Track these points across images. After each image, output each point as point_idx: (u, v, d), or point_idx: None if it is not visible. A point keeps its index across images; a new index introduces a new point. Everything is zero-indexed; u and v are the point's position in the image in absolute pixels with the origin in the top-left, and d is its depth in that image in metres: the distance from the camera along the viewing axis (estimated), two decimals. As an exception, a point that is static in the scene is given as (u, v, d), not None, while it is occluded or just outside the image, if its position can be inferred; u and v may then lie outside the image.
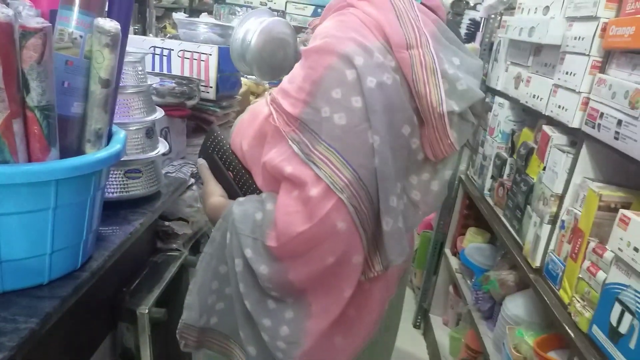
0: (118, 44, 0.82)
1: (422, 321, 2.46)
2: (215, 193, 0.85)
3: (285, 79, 0.80)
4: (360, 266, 0.75)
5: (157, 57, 1.94)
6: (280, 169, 0.72)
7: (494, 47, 2.11)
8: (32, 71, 0.70)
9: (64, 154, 0.83)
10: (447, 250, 2.32)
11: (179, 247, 1.53)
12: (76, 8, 0.80)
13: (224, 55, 1.85)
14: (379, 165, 0.70)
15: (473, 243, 2.06)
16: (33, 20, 0.69)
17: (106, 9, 0.95)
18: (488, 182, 1.97)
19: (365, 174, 0.70)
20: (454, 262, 2.18)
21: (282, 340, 0.76)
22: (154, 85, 1.60)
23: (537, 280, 1.30)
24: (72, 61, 0.81)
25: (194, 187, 1.72)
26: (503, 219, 1.70)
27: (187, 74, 1.91)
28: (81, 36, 0.81)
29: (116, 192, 1.20)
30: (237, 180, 0.84)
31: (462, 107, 0.74)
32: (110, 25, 0.80)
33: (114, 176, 1.20)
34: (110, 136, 0.94)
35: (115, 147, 0.89)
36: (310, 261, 0.72)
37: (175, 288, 1.48)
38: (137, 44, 1.88)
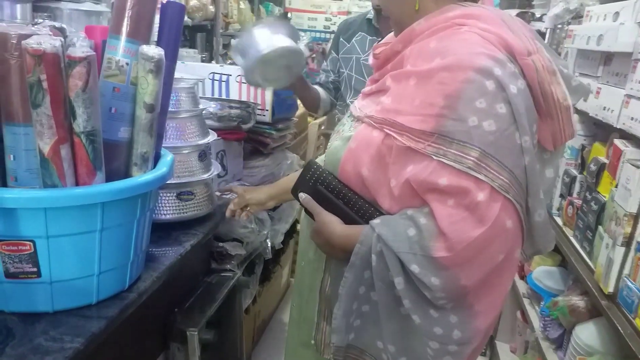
0: (162, 69, 0.84)
1: (488, 348, 2.33)
2: (335, 221, 0.87)
3: (381, 99, 0.85)
4: (518, 259, 0.81)
5: (216, 83, 1.99)
6: (431, 182, 0.76)
7: (561, 59, 2.00)
8: (77, 98, 0.73)
9: (112, 177, 0.85)
10: (515, 274, 2.19)
11: (233, 268, 1.54)
12: (123, 37, 0.84)
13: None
14: (529, 163, 0.77)
15: (542, 266, 1.92)
16: (79, 50, 0.72)
17: (155, 38, 0.99)
18: (557, 201, 1.84)
19: (519, 173, 0.76)
20: (521, 285, 2.05)
21: (454, 343, 0.81)
22: (211, 110, 1.64)
23: (610, 308, 1.19)
24: (119, 88, 0.84)
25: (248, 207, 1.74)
26: (573, 240, 1.58)
27: (244, 98, 1.95)
28: (127, 63, 0.84)
29: (168, 214, 1.22)
30: (351, 206, 0.86)
31: (576, 100, 0.85)
32: (154, 51, 0.82)
33: (167, 198, 1.23)
34: (158, 159, 0.96)
35: (161, 170, 0.91)
36: (482, 263, 0.77)
37: (228, 309, 1.49)
38: (197, 70, 1.95)
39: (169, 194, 1.22)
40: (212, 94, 1.97)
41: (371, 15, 1.86)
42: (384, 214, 0.84)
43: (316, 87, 1.91)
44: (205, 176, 1.29)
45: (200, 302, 1.32)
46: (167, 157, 0.95)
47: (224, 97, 1.96)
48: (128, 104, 0.85)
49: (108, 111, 0.84)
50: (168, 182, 1.21)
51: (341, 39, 1.88)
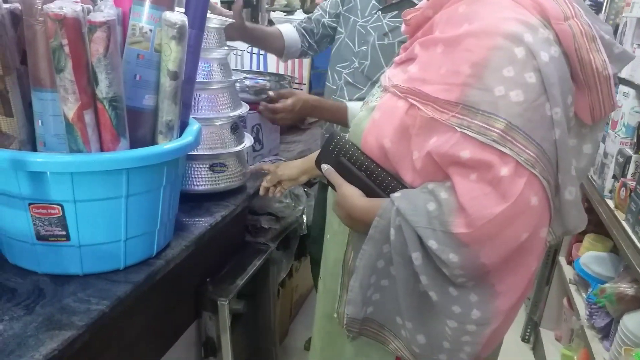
0: (185, 36, 0.83)
1: (532, 335, 2.25)
2: (356, 194, 0.85)
3: (408, 67, 0.82)
4: (545, 239, 0.77)
5: (254, 56, 1.99)
6: (453, 155, 0.72)
7: (619, 30, 1.86)
8: (99, 64, 0.74)
9: (138, 144, 0.86)
10: (562, 259, 2.09)
11: (267, 242, 1.55)
12: (147, 3, 0.83)
13: (319, 53, 1.85)
14: (560, 137, 0.72)
15: (591, 251, 1.82)
16: (100, 15, 0.72)
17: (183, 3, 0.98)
18: (609, 183, 1.73)
19: (548, 147, 0.72)
20: (568, 271, 1.96)
21: (473, 323, 0.78)
22: (247, 83, 1.64)
23: (661, 296, 1.11)
24: (143, 55, 0.84)
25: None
26: (624, 224, 1.48)
27: (282, 71, 1.93)
28: (151, 30, 0.83)
29: (200, 185, 1.23)
30: (374, 179, 0.84)
31: (619, 68, 0.78)
32: (177, 17, 0.81)
33: (199, 169, 1.24)
34: (185, 128, 0.96)
35: (186, 138, 0.91)
36: (504, 241, 0.73)
37: (261, 281, 1.51)
38: (235, 43, 1.95)
39: (201, 165, 1.23)
40: (251, 67, 1.97)
41: None
42: (407, 187, 0.81)
43: (278, 27, 1.70)
44: (237, 148, 1.29)
45: (232, 274, 1.34)
46: (193, 126, 0.95)
47: (262, 70, 1.95)
48: (152, 71, 0.85)
49: (133, 78, 0.84)
50: (200, 153, 1.24)
51: None
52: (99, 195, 0.81)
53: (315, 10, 1.73)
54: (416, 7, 0.91)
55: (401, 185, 0.82)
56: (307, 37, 1.70)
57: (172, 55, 0.83)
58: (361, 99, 1.60)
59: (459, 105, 0.72)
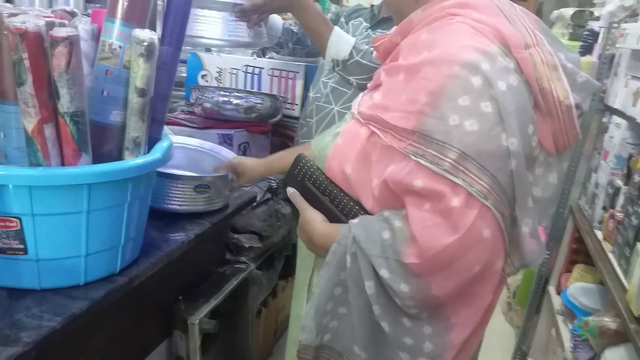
0: (153, 54, 0.83)
1: (522, 365, 2.20)
2: (318, 219, 0.84)
3: (374, 94, 0.81)
4: (500, 271, 0.76)
5: (249, 76, 2.00)
6: (407, 184, 0.72)
7: (615, 60, 1.85)
8: (60, 79, 0.74)
9: (104, 160, 0.86)
10: (551, 288, 2.05)
11: (248, 261, 1.53)
12: (118, 20, 0.84)
13: (312, 73, 1.85)
14: (516, 168, 0.71)
15: (580, 282, 1.79)
16: (63, 30, 0.72)
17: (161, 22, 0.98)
18: (599, 213, 1.71)
19: (503, 178, 0.70)
20: (557, 302, 1.92)
21: (425, 356, 0.77)
22: (236, 102, 1.65)
23: (639, 332, 1.08)
24: (111, 71, 0.84)
25: (270, 202, 1.72)
26: (611, 256, 1.46)
27: (275, 91, 1.94)
28: (120, 46, 0.83)
29: (184, 205, 1.21)
30: (337, 204, 0.84)
31: (583, 97, 0.77)
32: (146, 35, 0.81)
33: (183, 189, 1.22)
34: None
35: (153, 155, 0.90)
36: (455, 272, 0.72)
37: (239, 301, 1.48)
38: (231, 62, 1.97)
39: (186, 186, 1.21)
40: (245, 86, 1.98)
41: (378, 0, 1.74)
42: (367, 212, 0.80)
43: None
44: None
45: (207, 292, 1.32)
46: (163, 143, 0.95)
47: (255, 89, 1.96)
48: (121, 87, 0.85)
49: (100, 94, 0.84)
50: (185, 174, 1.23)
51: (341, 19, 1.75)
52: (58, 210, 0.81)
53: None
54: (386, 33, 0.91)
55: (363, 211, 0.81)
56: (287, 34, 1.76)
57: (140, 72, 0.83)
58: (346, 104, 1.60)
59: (415, 133, 0.72)
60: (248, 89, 1.97)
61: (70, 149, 0.79)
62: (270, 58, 2.05)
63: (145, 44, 0.82)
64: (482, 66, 0.69)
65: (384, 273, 0.72)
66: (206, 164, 1.40)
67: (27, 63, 0.70)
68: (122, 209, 0.89)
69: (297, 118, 1.88)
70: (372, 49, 1.50)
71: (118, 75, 0.84)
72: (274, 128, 1.86)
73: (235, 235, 1.53)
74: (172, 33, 0.99)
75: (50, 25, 0.73)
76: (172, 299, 1.26)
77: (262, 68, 1.94)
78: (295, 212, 0.89)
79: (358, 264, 0.75)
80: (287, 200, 0.95)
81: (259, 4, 1.43)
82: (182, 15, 1.00)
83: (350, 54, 1.46)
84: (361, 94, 0.92)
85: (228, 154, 1.40)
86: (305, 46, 1.84)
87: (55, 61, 0.73)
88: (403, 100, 0.74)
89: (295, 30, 1.78)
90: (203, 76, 2.00)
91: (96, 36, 0.88)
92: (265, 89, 1.95)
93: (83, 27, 0.88)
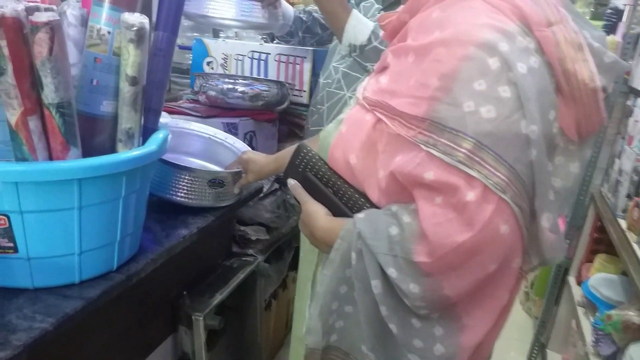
0: (144, 39, 0.78)
1: (539, 357, 2.14)
2: (320, 212, 0.78)
3: (380, 78, 0.75)
4: (517, 269, 0.70)
5: (255, 62, 1.94)
6: (417, 176, 0.66)
7: (640, 39, 1.76)
8: (43, 67, 0.69)
9: (96, 153, 0.81)
10: (572, 279, 1.98)
11: (255, 253, 1.49)
12: (106, 4, 0.79)
13: (320, 59, 1.79)
14: (537, 158, 0.64)
15: (602, 273, 1.72)
16: (44, 14, 0.68)
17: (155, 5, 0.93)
18: (622, 201, 1.63)
19: (522, 169, 0.64)
20: (577, 292, 1.85)
21: (436, 359, 0.71)
22: (242, 89, 1.59)
23: (667, 330, 1.01)
24: (100, 58, 0.79)
25: (278, 192, 1.68)
26: (635, 246, 1.38)
27: (282, 78, 1.88)
28: (109, 32, 0.79)
29: (193, 199, 1.17)
30: (340, 196, 0.78)
31: (610, 80, 0.69)
32: (135, 19, 0.76)
33: (196, 182, 1.18)
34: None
35: (148, 147, 0.86)
36: (469, 272, 0.66)
37: (246, 294, 1.45)
38: (237, 48, 1.91)
39: (200, 180, 1.17)
40: (251, 73, 1.92)
41: None
42: (373, 205, 0.74)
43: None
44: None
45: (213, 287, 1.28)
46: (159, 135, 0.90)
47: (262, 76, 1.90)
48: (111, 76, 0.80)
49: (89, 83, 0.80)
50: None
51: (352, 1, 1.70)
52: (48, 206, 0.77)
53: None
54: (394, 11, 0.84)
55: (368, 204, 0.75)
56: (297, 23, 1.68)
57: (131, 60, 0.78)
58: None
59: (425, 121, 0.65)
60: (254, 75, 1.92)
61: (58, 142, 0.74)
62: (277, 44, 1.99)
63: (135, 28, 0.76)
64: (499, 46, 0.62)
65: (391, 272, 0.67)
66: (220, 155, 1.36)
67: (6, 51, 0.66)
68: (117, 204, 0.85)
69: (305, 105, 1.82)
70: None
71: (108, 62, 0.80)
72: (281, 116, 1.80)
73: (242, 228, 1.49)
74: (168, 17, 0.94)
75: (31, 10, 0.69)
76: (177, 294, 1.22)
77: (269, 54, 1.88)
78: (299, 205, 0.84)
79: (364, 262, 0.70)
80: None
81: None
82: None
83: (369, 39, 1.39)
84: (367, 78, 0.86)
85: (241, 147, 1.36)
86: (315, 34, 1.77)
87: (37, 48, 0.68)
88: (412, 85, 0.68)
89: (304, 18, 1.72)
90: (208, 63, 1.95)
91: (86, 21, 0.83)
92: (272, 75, 1.89)
93: (72, 11, 0.83)
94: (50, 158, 0.76)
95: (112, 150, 0.85)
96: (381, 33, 0.86)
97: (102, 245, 0.86)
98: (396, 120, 0.68)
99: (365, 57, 1.42)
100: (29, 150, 0.73)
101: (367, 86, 0.79)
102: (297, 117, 1.85)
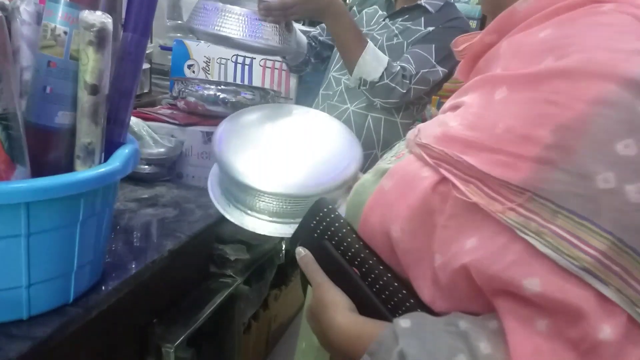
0: (106, 41, 0.68)
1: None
2: (341, 305, 0.55)
3: (448, 119, 0.53)
4: None
5: (239, 66, 1.84)
6: (509, 281, 0.44)
7: None
8: (-19, 72, 0.58)
9: (50, 171, 0.70)
10: None
11: (234, 274, 1.39)
12: None
13: (307, 64, 1.70)
14: None
15: None
16: (-16, 11, 0.57)
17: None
18: None
19: None
20: None
21: None
22: (223, 96, 1.49)
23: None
24: (55, 62, 0.68)
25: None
26: None
27: (267, 83, 1.79)
28: (66, 32, 0.68)
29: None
30: (371, 283, 0.56)
31: None
32: (96, 18, 0.66)
33: None
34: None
35: (111, 164, 0.75)
36: None
37: (224, 318, 1.34)
38: (219, 52, 1.81)
39: None
40: (235, 79, 1.83)
41: None
42: (422, 305, 0.53)
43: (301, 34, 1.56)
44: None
45: (187, 313, 1.17)
46: (125, 150, 0.79)
47: (246, 82, 1.81)
48: (68, 82, 0.70)
49: (42, 90, 0.69)
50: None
51: (354, 8, 1.63)
52: (-12, 234, 0.66)
53: (313, 30, 1.65)
54: (469, 33, 0.64)
55: (413, 300, 0.54)
56: (308, 50, 1.58)
57: (90, 65, 0.68)
58: (363, 103, 1.47)
59: (525, 192, 0.44)
60: (238, 81, 1.82)
61: (0, 160, 0.63)
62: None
63: (95, 29, 0.66)
64: None
65: None
66: None
67: None
68: (74, 230, 0.74)
69: (291, 113, 1.73)
70: (405, 69, 1.36)
71: (64, 67, 0.69)
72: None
73: (221, 246, 1.38)
74: (138, 17, 0.83)
75: (-32, 5, 0.58)
76: (146, 321, 1.11)
77: (254, 58, 1.79)
78: (305, 282, 0.62)
79: None
80: (294, 261, 0.63)
81: (289, 3, 1.23)
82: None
83: (381, 76, 1.33)
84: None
85: None
86: (324, 59, 1.67)
87: (-27, 50, 0.57)
88: (502, 133, 0.46)
89: (313, 44, 1.63)
90: (189, 66, 1.85)
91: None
92: (256, 81, 1.80)
93: (25, 7, 0.72)
94: (-8, 178, 0.65)
95: (69, 168, 0.74)
96: (459, 66, 0.63)
97: (55, 276, 0.75)
98: (472, 184, 0.47)
99: (375, 93, 1.37)
100: (-35, 169, 0.62)
101: (426, 128, 0.57)
102: (283, 127, 1.75)
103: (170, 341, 1.07)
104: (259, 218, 0.90)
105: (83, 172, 0.71)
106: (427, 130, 0.55)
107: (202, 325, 1.19)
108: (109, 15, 0.68)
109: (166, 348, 1.06)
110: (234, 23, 1.23)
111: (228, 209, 0.94)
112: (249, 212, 0.92)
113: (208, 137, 1.46)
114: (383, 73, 1.33)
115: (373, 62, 1.32)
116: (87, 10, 0.67)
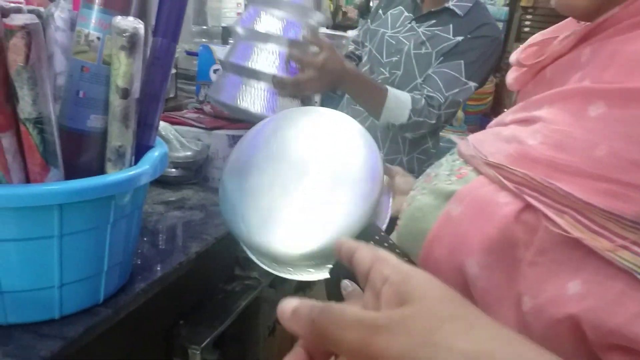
0: (138, 47, 0.69)
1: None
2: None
3: (521, 135, 0.47)
4: None
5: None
6: (628, 335, 0.37)
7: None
8: (19, 77, 0.60)
9: (82, 174, 0.72)
10: None
11: (259, 276, 1.39)
12: (96, 6, 0.69)
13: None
14: None
15: None
16: (21, 17, 0.58)
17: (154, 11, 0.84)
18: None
19: None
20: None
21: None
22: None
23: None
24: (88, 67, 0.70)
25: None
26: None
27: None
28: (99, 38, 0.69)
29: None
30: None
31: None
32: (128, 24, 0.67)
33: None
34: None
35: (141, 167, 0.76)
36: None
37: (249, 321, 1.35)
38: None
39: None
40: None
41: None
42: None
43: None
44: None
45: (212, 315, 1.18)
46: (154, 152, 0.81)
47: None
48: (100, 87, 0.71)
49: (75, 95, 0.70)
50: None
51: (380, 11, 1.64)
52: (24, 235, 0.67)
53: (349, 45, 1.69)
54: (542, 32, 0.57)
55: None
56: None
57: (122, 69, 0.69)
58: None
59: None
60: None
61: (36, 162, 0.65)
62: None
63: (128, 34, 0.67)
64: None
65: None
66: None
67: (-26, 58, 0.57)
68: (104, 231, 0.75)
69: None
70: (432, 99, 1.37)
71: (96, 72, 0.70)
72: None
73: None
74: (168, 22, 0.84)
75: (7, 12, 0.60)
76: (172, 323, 1.12)
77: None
78: (333, 295, 0.54)
79: None
80: (333, 295, 0.53)
81: (302, 79, 1.18)
82: (179, 2, 0.85)
83: (409, 117, 1.36)
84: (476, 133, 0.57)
85: None
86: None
87: (12, 56, 0.59)
88: (605, 156, 0.40)
89: (351, 57, 1.68)
90: (215, 71, 1.86)
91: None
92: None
93: (59, 14, 0.74)
94: (27, 180, 0.66)
95: (100, 170, 0.75)
96: (511, 76, 0.58)
97: (86, 276, 0.76)
98: (568, 215, 0.41)
99: (404, 130, 1.40)
100: (2, 171, 0.63)
101: (486, 143, 0.51)
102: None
103: (197, 343, 1.07)
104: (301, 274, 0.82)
105: (114, 175, 0.72)
106: (491, 146, 0.49)
107: (227, 328, 1.19)
108: (141, 21, 0.69)
109: (193, 350, 1.06)
110: (252, 96, 1.24)
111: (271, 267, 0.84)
112: (290, 270, 0.81)
113: (234, 140, 1.47)
114: (409, 114, 1.34)
115: (397, 108, 1.34)
116: (119, 16, 0.68)
